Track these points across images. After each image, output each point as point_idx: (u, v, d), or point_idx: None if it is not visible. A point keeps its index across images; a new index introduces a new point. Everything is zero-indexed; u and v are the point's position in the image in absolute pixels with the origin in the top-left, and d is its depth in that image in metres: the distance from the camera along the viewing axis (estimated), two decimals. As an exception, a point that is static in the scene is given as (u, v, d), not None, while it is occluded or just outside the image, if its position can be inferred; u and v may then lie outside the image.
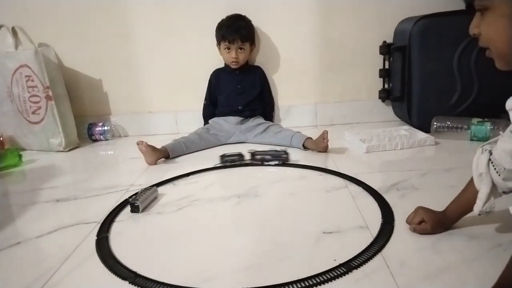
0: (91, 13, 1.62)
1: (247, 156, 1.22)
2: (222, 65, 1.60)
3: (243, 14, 1.53)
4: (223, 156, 1.22)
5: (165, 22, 1.61)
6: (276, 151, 1.22)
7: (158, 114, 1.71)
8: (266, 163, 1.20)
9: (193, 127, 1.54)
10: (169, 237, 0.83)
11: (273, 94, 1.67)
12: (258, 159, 1.21)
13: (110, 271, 0.69)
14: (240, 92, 1.56)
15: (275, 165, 1.18)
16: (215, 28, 1.53)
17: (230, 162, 1.22)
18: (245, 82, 1.58)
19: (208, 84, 1.62)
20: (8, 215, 1.00)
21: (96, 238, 0.82)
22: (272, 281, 0.62)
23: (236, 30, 1.48)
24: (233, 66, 1.55)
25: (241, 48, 1.51)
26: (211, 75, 1.62)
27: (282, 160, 1.19)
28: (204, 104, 1.64)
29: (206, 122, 1.60)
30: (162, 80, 1.68)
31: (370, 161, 1.19)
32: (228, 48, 1.51)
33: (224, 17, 1.52)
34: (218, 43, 1.54)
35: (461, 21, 1.31)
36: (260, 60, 1.64)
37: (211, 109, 1.62)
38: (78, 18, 1.63)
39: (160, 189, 1.05)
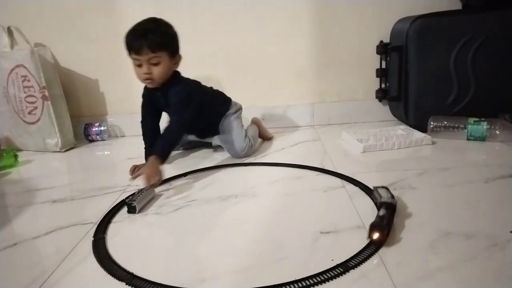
0: (88, 13, 1.61)
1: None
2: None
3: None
4: (376, 188, 0.88)
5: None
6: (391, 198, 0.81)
7: (155, 114, 1.71)
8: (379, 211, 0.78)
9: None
10: (166, 237, 0.82)
11: (270, 94, 1.66)
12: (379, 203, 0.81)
13: (107, 272, 0.69)
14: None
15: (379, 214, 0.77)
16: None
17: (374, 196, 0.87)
18: (169, 107, 1.20)
19: (142, 101, 1.30)
20: (4, 216, 0.99)
21: (92, 239, 0.82)
22: (269, 281, 0.62)
23: (142, 35, 1.08)
24: (148, 85, 1.17)
25: (155, 63, 1.10)
26: (144, 91, 1.28)
27: (378, 222, 0.73)
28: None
29: (147, 142, 1.29)
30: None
31: (367, 160, 1.19)
32: (138, 62, 1.11)
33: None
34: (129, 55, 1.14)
35: (457, 21, 1.34)
36: (257, 60, 1.64)
37: (154, 130, 1.28)
38: (74, 18, 1.62)
39: (157, 190, 1.05)
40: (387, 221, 0.73)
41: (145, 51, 1.08)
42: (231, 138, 1.29)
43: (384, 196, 0.82)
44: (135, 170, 1.20)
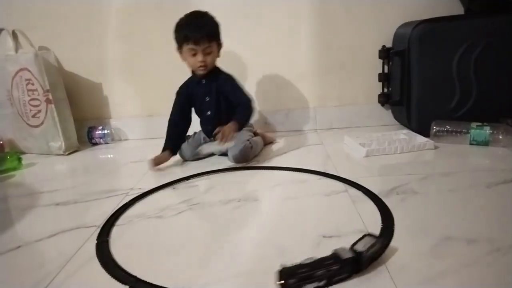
0: (91, 17, 1.62)
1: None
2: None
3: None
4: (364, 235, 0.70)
5: (165, 24, 1.61)
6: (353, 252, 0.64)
7: (158, 117, 1.71)
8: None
9: (191, 130, 1.52)
10: (169, 241, 0.83)
11: (273, 99, 1.67)
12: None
13: (110, 275, 0.69)
14: (208, 107, 1.35)
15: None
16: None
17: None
18: (213, 93, 1.33)
19: (177, 98, 1.40)
20: (8, 219, 1.00)
21: (96, 242, 0.82)
22: (271, 286, 0.62)
23: (201, 27, 1.23)
24: (200, 72, 1.29)
25: (208, 52, 1.25)
26: (181, 89, 1.38)
27: (287, 269, 0.62)
28: (169, 120, 1.39)
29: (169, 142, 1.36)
30: (162, 83, 1.68)
31: (370, 165, 1.19)
32: (194, 51, 1.25)
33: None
34: (180, 47, 1.28)
35: (460, 25, 1.34)
36: (259, 64, 1.64)
37: (181, 128, 1.39)
38: (78, 22, 1.63)
39: (160, 193, 1.06)
40: (307, 272, 0.61)
41: (202, 41, 1.23)
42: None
43: (360, 245, 0.65)
44: (154, 159, 1.27)
